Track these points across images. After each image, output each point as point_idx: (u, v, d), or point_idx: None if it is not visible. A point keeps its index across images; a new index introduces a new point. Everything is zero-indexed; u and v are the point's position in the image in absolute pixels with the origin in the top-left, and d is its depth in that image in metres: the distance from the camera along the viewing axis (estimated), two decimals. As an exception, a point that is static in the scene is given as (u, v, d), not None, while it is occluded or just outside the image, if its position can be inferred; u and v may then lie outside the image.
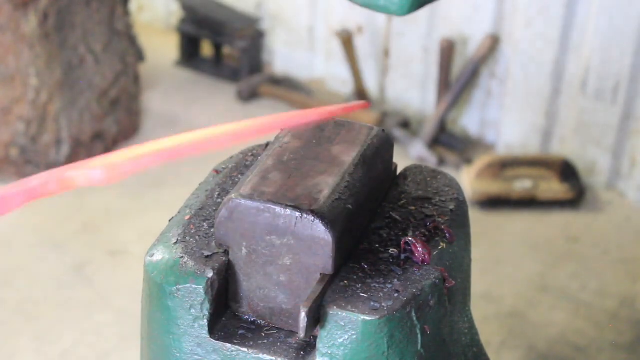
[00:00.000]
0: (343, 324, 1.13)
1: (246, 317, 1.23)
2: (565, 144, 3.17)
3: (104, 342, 2.35)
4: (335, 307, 1.13)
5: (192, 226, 1.27)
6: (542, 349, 2.37)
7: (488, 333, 2.36)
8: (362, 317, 1.12)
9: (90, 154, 3.14)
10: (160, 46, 4.00)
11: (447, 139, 3.32)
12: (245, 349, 1.18)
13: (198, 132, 1.14)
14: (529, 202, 2.98)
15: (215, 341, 1.20)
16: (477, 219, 2.84)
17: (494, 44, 3.18)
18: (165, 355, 1.24)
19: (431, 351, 1.21)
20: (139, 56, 3.48)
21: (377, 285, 1.17)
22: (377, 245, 1.25)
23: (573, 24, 3.01)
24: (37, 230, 2.79)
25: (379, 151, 1.31)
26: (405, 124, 3.42)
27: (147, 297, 1.25)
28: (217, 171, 1.38)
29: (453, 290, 1.30)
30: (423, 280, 1.19)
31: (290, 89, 3.65)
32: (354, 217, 1.21)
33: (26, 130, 2.97)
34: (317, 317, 1.13)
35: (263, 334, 1.21)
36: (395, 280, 1.18)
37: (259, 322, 1.23)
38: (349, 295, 1.15)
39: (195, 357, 1.21)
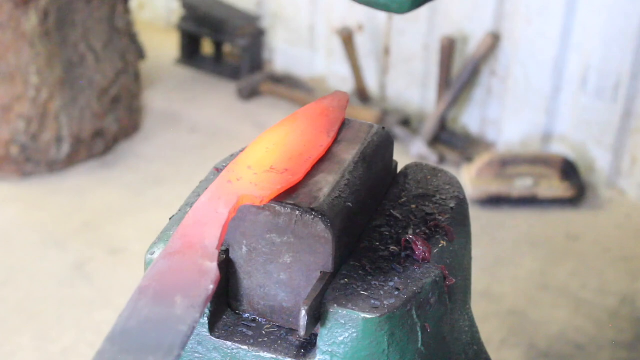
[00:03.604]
0: (343, 322, 1.13)
1: (247, 315, 1.23)
2: (565, 142, 3.17)
3: (104, 340, 2.35)
4: (335, 305, 1.13)
5: (192, 224, 1.26)
6: (542, 346, 2.37)
7: (488, 331, 2.37)
8: (363, 315, 1.12)
9: (90, 152, 3.14)
10: (161, 44, 4.00)
11: (447, 137, 3.32)
12: (245, 347, 1.18)
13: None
14: (529, 200, 2.98)
15: (216, 339, 1.20)
16: (478, 217, 2.84)
17: (494, 42, 3.18)
18: (165, 353, 1.24)
19: (431, 349, 1.21)
20: (140, 54, 3.48)
21: (377, 283, 1.17)
22: (377, 243, 1.25)
23: (573, 21, 3.01)
24: (37, 228, 2.79)
25: (379, 149, 1.31)
26: (406, 122, 3.42)
27: (148, 295, 1.25)
28: (217, 169, 1.38)
29: (453, 288, 1.30)
30: (424, 278, 1.19)
31: (290, 87, 3.65)
32: (354, 215, 1.21)
33: (26, 128, 2.97)
34: (317, 315, 1.13)
35: (263, 332, 1.21)
36: (396, 278, 1.18)
37: (259, 320, 1.23)
38: (350, 293, 1.15)
39: (196, 355, 1.21)
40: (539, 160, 3.05)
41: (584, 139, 3.12)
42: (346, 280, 1.17)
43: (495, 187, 2.98)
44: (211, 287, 1.00)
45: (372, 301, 1.14)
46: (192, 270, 1.02)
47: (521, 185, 2.99)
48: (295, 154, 1.22)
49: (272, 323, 1.22)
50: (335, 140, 1.29)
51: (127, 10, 3.25)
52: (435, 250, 1.25)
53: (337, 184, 1.20)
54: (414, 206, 1.33)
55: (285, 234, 1.15)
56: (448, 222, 1.30)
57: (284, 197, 1.16)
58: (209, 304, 1.18)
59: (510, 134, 3.27)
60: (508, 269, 2.68)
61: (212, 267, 1.02)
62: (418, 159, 3.20)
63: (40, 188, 3.00)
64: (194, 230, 1.07)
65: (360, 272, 1.19)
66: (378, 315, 1.12)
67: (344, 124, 1.33)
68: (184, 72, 3.85)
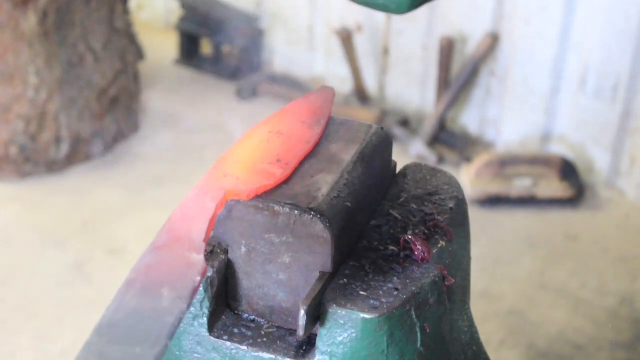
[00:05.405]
0: (343, 322, 1.13)
1: (246, 315, 1.23)
2: (564, 142, 3.17)
3: (103, 341, 2.34)
4: (334, 305, 1.13)
5: (191, 224, 1.26)
6: (541, 347, 2.37)
7: (487, 331, 2.37)
8: (362, 315, 1.12)
9: (89, 153, 3.14)
10: (160, 44, 4.00)
11: (446, 137, 3.32)
12: (244, 347, 1.18)
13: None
14: (528, 201, 2.98)
15: (215, 339, 1.20)
16: (477, 217, 2.84)
17: (493, 42, 3.18)
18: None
19: (431, 349, 1.21)
20: (139, 55, 3.48)
21: (376, 284, 1.17)
22: (376, 243, 1.25)
23: (573, 22, 3.01)
24: (37, 229, 2.79)
25: (378, 149, 1.31)
26: (405, 122, 3.42)
27: (147, 295, 1.24)
28: (216, 169, 1.38)
29: (453, 289, 1.30)
30: (423, 279, 1.19)
31: (290, 88, 3.65)
32: (353, 215, 1.21)
33: (26, 128, 2.97)
34: (316, 315, 1.13)
35: (263, 333, 1.21)
36: (395, 278, 1.18)
37: (258, 320, 1.22)
38: (349, 293, 1.15)
39: (195, 355, 1.21)
40: (538, 161, 3.05)
41: (583, 140, 3.12)
42: (345, 280, 1.17)
43: (495, 188, 2.98)
44: (198, 278, 1.01)
45: (372, 301, 1.14)
46: (179, 263, 1.03)
47: (520, 185, 2.99)
48: (283, 150, 1.22)
49: (271, 323, 1.22)
50: (334, 141, 1.29)
51: (126, 11, 3.25)
52: (435, 251, 1.25)
53: (336, 184, 1.20)
54: (413, 206, 1.33)
55: (284, 234, 1.15)
56: (447, 223, 1.30)
57: (281, 196, 1.16)
58: (207, 304, 1.18)
59: (510, 134, 3.27)
60: (507, 269, 2.68)
61: (199, 259, 1.03)
62: (417, 159, 3.20)
63: (40, 188, 3.00)
64: (181, 225, 1.08)
65: (360, 272, 1.19)
66: (377, 315, 1.12)
67: (341, 124, 1.33)
68: (183, 72, 3.85)
